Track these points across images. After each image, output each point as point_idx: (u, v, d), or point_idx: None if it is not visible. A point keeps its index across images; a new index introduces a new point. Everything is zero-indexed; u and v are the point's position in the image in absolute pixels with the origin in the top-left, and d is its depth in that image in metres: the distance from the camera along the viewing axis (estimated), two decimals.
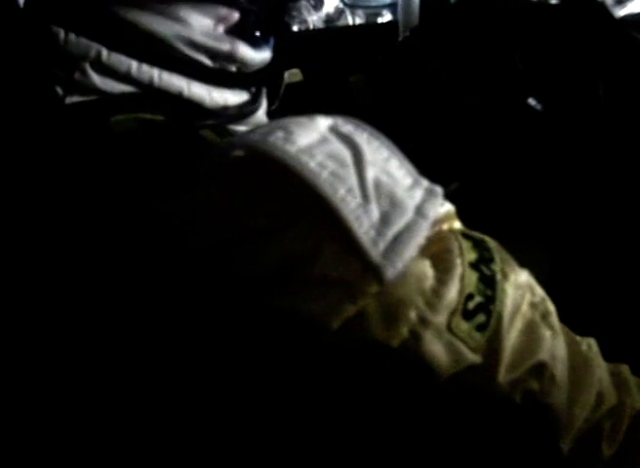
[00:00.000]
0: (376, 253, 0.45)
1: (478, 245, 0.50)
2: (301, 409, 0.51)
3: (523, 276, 0.51)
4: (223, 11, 0.61)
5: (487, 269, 0.49)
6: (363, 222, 0.45)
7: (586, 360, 0.53)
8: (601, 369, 0.54)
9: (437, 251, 0.48)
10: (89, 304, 0.53)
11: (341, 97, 0.50)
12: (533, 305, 0.51)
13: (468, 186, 0.82)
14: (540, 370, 0.49)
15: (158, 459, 0.54)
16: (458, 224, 0.50)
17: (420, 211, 0.47)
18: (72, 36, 0.58)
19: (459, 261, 0.48)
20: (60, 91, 0.58)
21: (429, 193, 0.48)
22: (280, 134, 0.46)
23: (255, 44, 0.65)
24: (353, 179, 0.46)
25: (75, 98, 0.59)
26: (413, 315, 0.46)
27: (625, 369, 0.57)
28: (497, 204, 0.83)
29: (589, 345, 0.54)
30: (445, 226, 0.49)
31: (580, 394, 0.51)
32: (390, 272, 0.45)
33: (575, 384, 0.51)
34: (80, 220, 0.53)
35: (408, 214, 0.46)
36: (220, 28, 0.62)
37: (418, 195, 0.47)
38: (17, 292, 0.55)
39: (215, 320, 0.49)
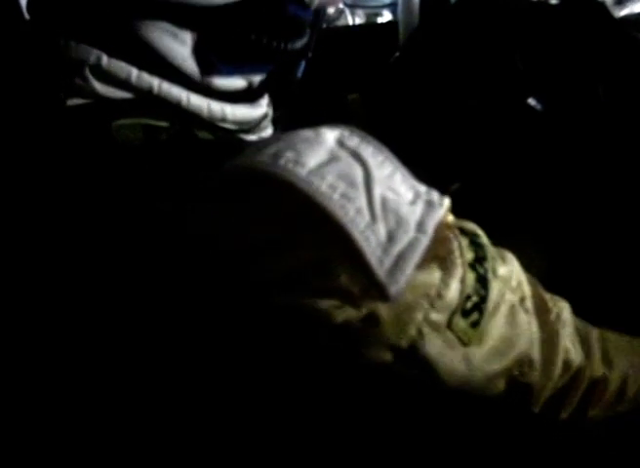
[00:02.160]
0: (382, 272, 0.46)
1: (473, 242, 0.52)
2: (304, 407, 0.51)
3: (505, 268, 0.54)
4: (189, 36, 0.59)
5: (481, 268, 0.51)
6: (371, 242, 0.46)
7: (553, 331, 0.55)
8: (567, 337, 0.56)
9: (441, 252, 0.50)
10: (93, 307, 0.53)
11: (340, 114, 0.50)
12: (513, 290, 0.54)
13: (469, 186, 0.82)
14: (522, 358, 0.53)
15: (158, 459, 0.55)
16: (450, 218, 0.51)
17: (420, 227, 0.48)
18: (73, 42, 0.59)
19: (459, 262, 0.50)
20: (61, 95, 0.58)
21: (428, 205, 0.49)
22: (290, 155, 0.47)
23: (222, 72, 0.62)
24: (362, 200, 0.47)
25: (76, 102, 0.59)
26: (419, 316, 0.48)
27: (594, 334, 0.60)
28: (497, 203, 0.83)
29: (559, 313, 0.57)
30: (444, 221, 0.50)
31: (550, 366, 0.54)
32: (394, 290, 0.46)
33: (546, 359, 0.54)
34: (84, 225, 0.53)
35: (410, 232, 0.48)
36: (193, 55, 0.60)
37: (418, 210, 0.49)
38: (19, 295, 0.56)
39: (221, 320, 0.50)
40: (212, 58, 0.61)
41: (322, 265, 0.47)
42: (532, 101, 0.82)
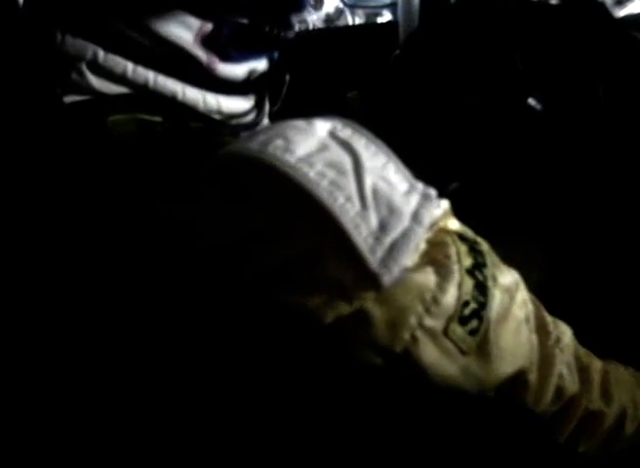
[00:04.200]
0: (374, 261, 0.46)
1: (473, 249, 0.51)
2: (301, 407, 0.51)
3: (509, 277, 0.53)
4: (196, 22, 0.60)
5: (481, 275, 0.50)
6: (361, 230, 0.46)
7: (550, 355, 0.54)
8: (564, 363, 0.55)
9: (438, 256, 0.49)
10: (91, 304, 0.53)
11: (339, 112, 0.50)
12: (519, 307, 0.52)
13: (468, 186, 0.82)
14: (518, 377, 0.52)
15: (158, 459, 0.55)
16: (454, 223, 0.51)
17: (415, 217, 0.47)
18: (69, 37, 0.59)
19: (456, 268, 0.49)
20: (57, 91, 0.59)
21: (425, 198, 0.49)
22: (279, 142, 0.47)
23: (234, 58, 0.64)
24: (352, 187, 0.46)
25: (72, 98, 0.59)
26: (413, 320, 0.47)
27: (596, 365, 0.59)
28: (496, 204, 0.83)
29: (558, 337, 0.56)
30: (442, 224, 0.49)
31: (542, 390, 0.53)
32: (387, 280, 0.46)
33: (540, 382, 0.53)
34: (81, 220, 0.53)
35: (404, 221, 0.47)
36: (198, 41, 0.61)
37: (413, 201, 0.48)
38: (18, 292, 0.55)
39: (216, 316, 0.49)
40: (223, 44, 0.62)
41: (313, 256, 0.46)
42: (532, 101, 0.82)
